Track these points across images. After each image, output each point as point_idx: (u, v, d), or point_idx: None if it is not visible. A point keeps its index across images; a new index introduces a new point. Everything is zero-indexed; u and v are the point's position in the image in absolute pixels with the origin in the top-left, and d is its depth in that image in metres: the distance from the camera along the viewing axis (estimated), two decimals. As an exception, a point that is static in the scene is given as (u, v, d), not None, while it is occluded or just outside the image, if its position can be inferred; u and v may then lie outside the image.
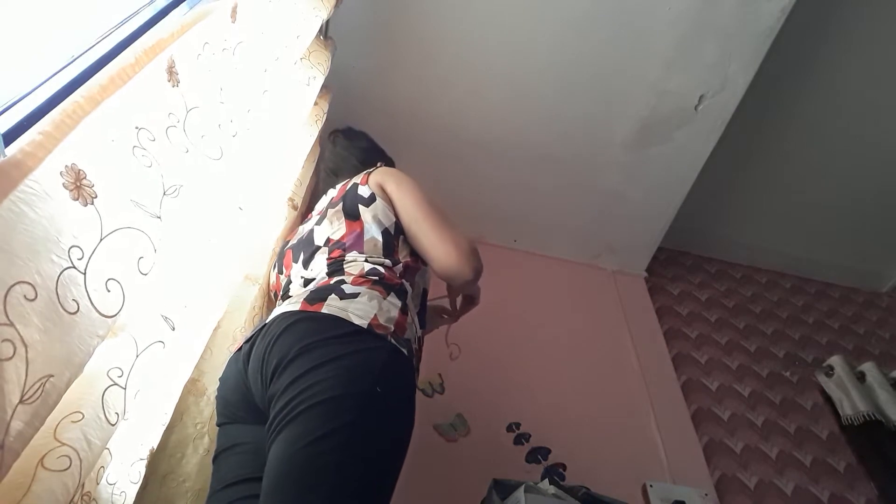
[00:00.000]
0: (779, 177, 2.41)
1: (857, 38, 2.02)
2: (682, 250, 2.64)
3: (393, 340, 0.90)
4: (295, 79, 1.34)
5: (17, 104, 0.55)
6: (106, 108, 0.55)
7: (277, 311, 0.94)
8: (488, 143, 2.02)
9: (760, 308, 2.47)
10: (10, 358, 0.45)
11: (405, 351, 0.91)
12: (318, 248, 1.10)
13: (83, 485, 0.61)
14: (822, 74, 2.10)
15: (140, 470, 0.79)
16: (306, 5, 1.24)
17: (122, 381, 0.65)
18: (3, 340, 0.44)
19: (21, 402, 0.46)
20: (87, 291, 0.52)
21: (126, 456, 0.78)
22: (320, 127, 1.54)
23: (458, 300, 1.30)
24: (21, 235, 0.45)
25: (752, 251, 2.67)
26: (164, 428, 0.87)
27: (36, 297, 0.47)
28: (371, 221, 1.10)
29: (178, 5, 0.81)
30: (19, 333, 0.45)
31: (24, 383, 0.46)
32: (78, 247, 0.51)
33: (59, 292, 0.49)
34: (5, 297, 0.44)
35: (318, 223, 1.15)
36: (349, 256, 1.06)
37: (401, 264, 1.08)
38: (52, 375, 0.49)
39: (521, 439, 1.65)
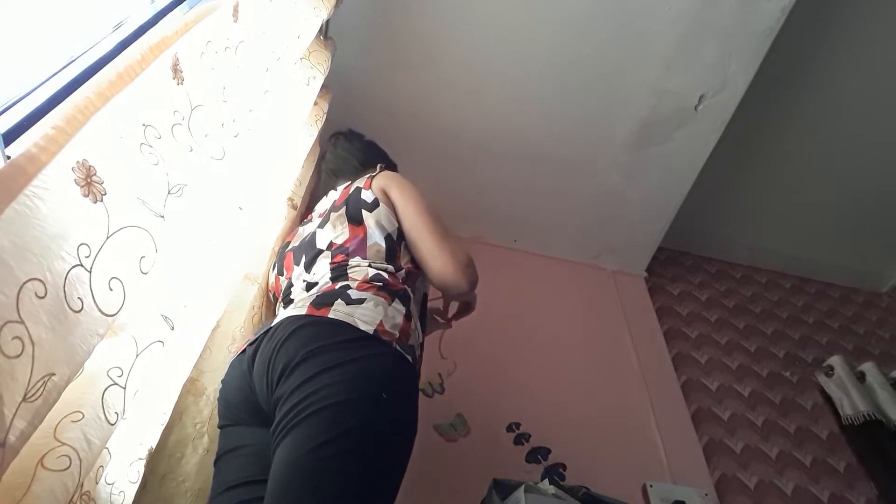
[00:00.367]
0: (779, 177, 2.42)
1: (857, 38, 2.02)
2: (682, 250, 2.64)
3: (398, 347, 0.91)
4: (295, 79, 1.34)
5: (17, 104, 0.55)
6: (115, 104, 0.55)
7: (283, 314, 0.95)
8: (488, 143, 2.02)
9: (760, 308, 2.47)
10: (18, 356, 0.44)
11: (409, 358, 0.92)
12: (321, 251, 1.11)
13: (82, 484, 0.61)
14: (822, 74, 2.10)
15: (139, 470, 0.79)
16: (306, 5, 1.24)
17: (121, 381, 0.65)
18: (14, 338, 0.44)
19: (24, 400, 0.46)
20: (91, 290, 0.52)
21: (125, 455, 0.78)
22: (320, 127, 1.54)
23: (454, 305, 1.31)
24: (34, 231, 0.45)
25: (752, 251, 2.67)
26: (163, 427, 0.87)
27: (46, 294, 0.47)
28: (374, 227, 1.10)
29: (177, 5, 0.81)
30: (28, 331, 0.45)
31: (29, 381, 0.46)
32: (86, 244, 0.51)
33: (66, 290, 0.49)
34: (18, 294, 0.44)
35: (321, 226, 1.15)
36: (353, 261, 1.06)
37: (403, 270, 1.09)
38: (54, 374, 0.49)
39: (521, 439, 1.65)
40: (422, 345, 1.08)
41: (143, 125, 0.60)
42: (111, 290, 0.55)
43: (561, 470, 1.59)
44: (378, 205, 1.13)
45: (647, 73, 1.84)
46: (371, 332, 0.89)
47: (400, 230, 1.13)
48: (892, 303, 2.73)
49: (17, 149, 0.49)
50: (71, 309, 0.50)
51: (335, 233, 1.11)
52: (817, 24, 1.98)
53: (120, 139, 0.56)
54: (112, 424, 0.63)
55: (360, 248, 1.08)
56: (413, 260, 1.14)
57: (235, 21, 0.82)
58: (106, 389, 0.63)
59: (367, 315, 0.91)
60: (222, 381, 1.00)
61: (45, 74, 0.59)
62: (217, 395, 1.03)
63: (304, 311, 0.92)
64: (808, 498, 1.75)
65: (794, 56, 2.04)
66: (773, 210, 2.54)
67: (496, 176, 2.10)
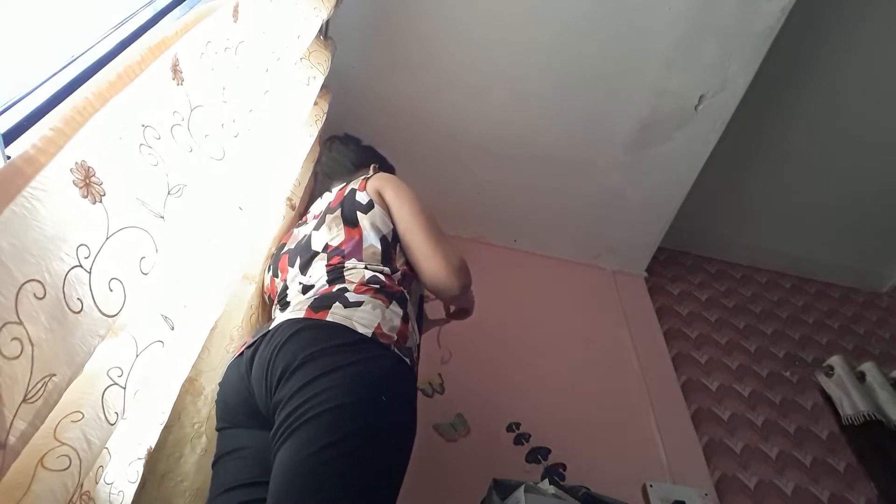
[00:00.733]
0: (779, 177, 2.41)
1: (857, 38, 2.02)
2: (682, 250, 2.64)
3: (396, 350, 0.91)
4: (295, 79, 1.34)
5: (17, 104, 0.55)
6: (114, 105, 0.55)
7: (281, 318, 0.95)
8: (488, 143, 2.02)
9: (760, 308, 2.47)
10: (18, 357, 0.44)
11: (407, 360, 0.93)
12: (317, 253, 1.11)
13: (82, 484, 0.61)
14: (822, 74, 2.10)
15: (138, 469, 0.79)
16: (306, 5, 1.24)
17: (121, 381, 0.65)
18: (13, 339, 0.44)
19: (24, 401, 0.46)
20: (91, 290, 0.52)
21: (124, 455, 0.78)
22: (320, 127, 1.54)
23: (452, 307, 1.31)
24: (33, 232, 0.45)
25: (752, 251, 2.67)
26: (162, 427, 0.87)
27: (45, 295, 0.46)
28: (369, 229, 1.10)
29: (177, 6, 0.81)
30: (27, 332, 0.45)
31: (29, 382, 0.46)
32: (85, 245, 0.51)
33: (65, 291, 0.49)
34: (17, 295, 0.44)
35: (316, 228, 1.15)
36: (349, 264, 1.06)
37: (399, 272, 1.09)
38: (55, 375, 0.49)
39: (521, 439, 1.65)
40: (419, 346, 1.09)
41: (143, 126, 0.60)
42: (111, 290, 0.55)
43: (561, 470, 1.59)
44: (373, 206, 1.13)
45: (647, 73, 1.84)
46: (369, 335, 0.89)
47: (395, 232, 1.14)
48: (892, 303, 2.73)
49: (17, 149, 0.49)
50: (71, 310, 0.50)
51: (330, 235, 1.11)
52: (817, 24, 1.98)
53: (119, 140, 0.56)
54: (112, 424, 0.63)
55: (356, 250, 1.08)
56: (408, 262, 1.15)
57: (235, 21, 0.82)
58: (106, 389, 0.63)
59: (365, 318, 0.92)
60: (220, 384, 1.00)
61: (45, 74, 0.59)
62: (215, 395, 1.03)
63: (301, 315, 0.92)
64: (808, 498, 1.75)
65: (794, 56, 2.04)
66: (773, 210, 2.54)
67: (496, 176, 2.10)
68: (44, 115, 0.54)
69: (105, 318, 0.55)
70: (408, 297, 1.06)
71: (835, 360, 2.11)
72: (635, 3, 1.71)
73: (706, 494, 1.61)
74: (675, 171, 2.08)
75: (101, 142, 0.53)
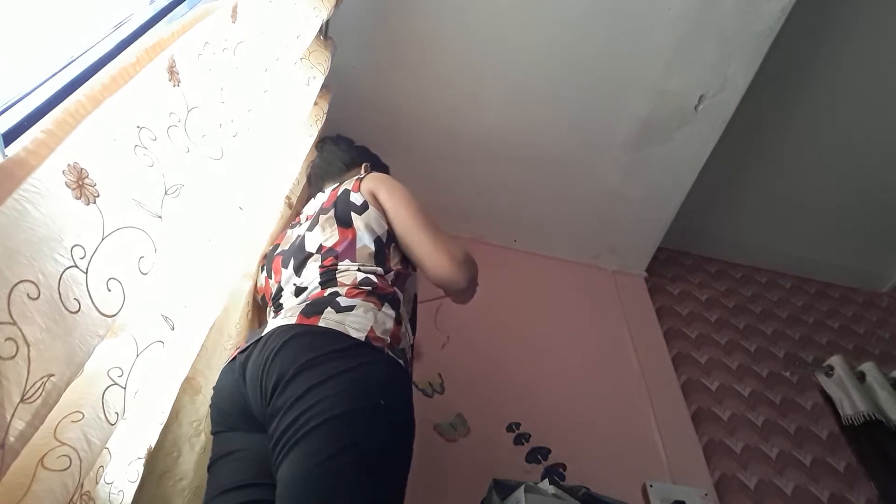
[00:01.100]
0: (779, 177, 2.41)
1: (857, 38, 2.02)
2: (682, 250, 2.64)
3: (390, 353, 0.92)
4: (295, 79, 1.34)
5: (17, 104, 0.55)
6: (108, 107, 0.55)
7: (273, 323, 0.95)
8: (488, 143, 2.02)
9: (760, 308, 2.47)
10: (13, 357, 0.45)
11: (401, 362, 0.94)
12: (311, 254, 1.10)
13: (82, 484, 0.61)
14: (822, 74, 2.10)
15: (138, 469, 0.79)
16: (306, 5, 1.24)
17: (122, 381, 0.65)
18: (6, 339, 0.44)
19: (22, 401, 0.46)
20: (88, 291, 0.52)
21: (124, 455, 0.78)
22: (320, 127, 1.54)
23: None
24: (24, 234, 0.45)
25: (752, 251, 2.67)
26: (162, 426, 0.87)
27: (39, 296, 0.47)
28: (363, 229, 1.10)
29: (177, 5, 0.81)
30: (22, 332, 0.45)
31: (26, 382, 0.46)
32: (80, 246, 0.51)
33: (61, 291, 0.49)
34: (9, 295, 0.44)
35: (310, 229, 1.15)
36: (342, 265, 1.06)
37: (392, 272, 1.09)
38: (53, 375, 0.49)
39: (521, 439, 1.65)
40: (412, 346, 1.09)
41: (138, 127, 0.60)
42: (109, 290, 0.55)
43: (561, 470, 1.59)
44: (367, 207, 1.12)
45: (647, 73, 1.84)
46: (362, 339, 0.90)
47: (390, 233, 1.13)
48: (892, 303, 2.73)
49: (16, 149, 0.49)
50: (67, 310, 0.50)
51: (324, 235, 1.11)
52: (817, 24, 1.98)
53: (113, 141, 0.56)
54: (112, 424, 0.63)
55: (349, 251, 1.08)
56: (402, 261, 1.14)
57: (234, 22, 0.82)
58: (106, 389, 0.63)
59: (357, 322, 0.92)
60: (214, 388, 1.00)
61: (45, 74, 0.59)
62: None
63: (293, 321, 0.92)
64: (808, 498, 1.75)
65: (794, 56, 2.04)
66: (773, 210, 2.54)
67: (496, 176, 2.10)
68: (43, 116, 0.54)
69: (104, 318, 0.55)
70: (400, 297, 1.06)
71: (835, 360, 2.11)
72: (635, 3, 1.70)
73: (706, 494, 1.61)
74: (675, 170, 2.08)
75: (95, 144, 0.53)
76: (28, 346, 0.46)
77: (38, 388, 0.47)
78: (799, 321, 2.46)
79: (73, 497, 0.58)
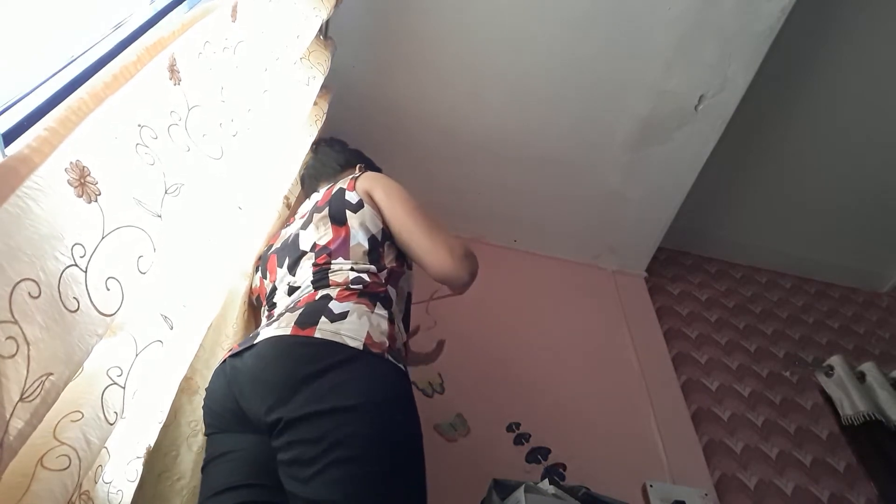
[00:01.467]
0: (779, 177, 2.41)
1: (857, 38, 2.02)
2: (682, 250, 2.64)
3: (389, 357, 0.92)
4: (295, 78, 1.34)
5: (17, 104, 0.55)
6: (109, 105, 0.55)
7: (267, 332, 0.94)
8: (488, 142, 2.02)
9: (760, 308, 2.47)
10: (13, 356, 0.45)
11: (401, 366, 0.94)
12: (304, 253, 1.10)
13: (81, 484, 0.61)
14: (822, 74, 2.10)
15: (137, 469, 0.79)
16: (306, 5, 1.24)
17: (121, 381, 0.65)
18: (7, 338, 0.44)
19: (21, 400, 0.46)
20: (87, 290, 0.52)
21: (123, 455, 0.78)
22: (320, 127, 1.54)
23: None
24: (27, 231, 0.45)
25: (752, 251, 2.67)
26: (161, 426, 0.87)
27: (39, 294, 0.47)
28: (358, 227, 1.10)
29: (177, 5, 0.81)
30: (22, 331, 0.45)
31: (25, 381, 0.46)
32: (80, 244, 0.51)
33: (61, 290, 0.49)
34: (11, 294, 0.44)
35: (304, 227, 1.15)
36: (335, 264, 1.06)
37: (386, 270, 1.09)
38: (52, 374, 0.49)
39: (521, 439, 1.65)
40: (406, 344, 1.10)
41: (139, 126, 0.60)
42: (108, 289, 0.55)
43: (561, 470, 1.59)
44: (362, 206, 1.12)
45: (647, 73, 1.84)
46: (360, 348, 0.90)
47: (385, 231, 1.13)
48: (892, 303, 2.73)
49: (17, 149, 0.49)
50: (67, 309, 0.50)
51: (318, 234, 1.11)
52: (817, 24, 1.98)
53: (115, 140, 0.56)
54: (111, 424, 0.63)
55: (343, 249, 1.08)
56: (398, 259, 1.14)
57: (234, 21, 0.82)
58: (105, 389, 0.63)
59: (352, 329, 0.92)
60: (206, 390, 1.00)
61: (45, 74, 0.59)
62: None
63: (288, 332, 0.91)
64: (808, 498, 1.75)
65: (794, 56, 2.04)
66: (773, 210, 2.54)
67: (496, 176, 2.10)
68: (43, 115, 0.54)
69: (103, 317, 0.55)
70: (393, 296, 1.06)
71: (835, 360, 2.11)
72: (635, 3, 1.70)
73: (706, 494, 1.61)
74: (675, 171, 2.08)
75: (97, 142, 0.53)
76: (28, 344, 0.46)
77: (38, 386, 0.47)
78: (799, 321, 2.46)
79: (72, 496, 0.58)
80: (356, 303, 0.97)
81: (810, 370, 2.18)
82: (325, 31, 1.59)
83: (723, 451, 1.82)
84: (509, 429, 1.67)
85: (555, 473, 1.58)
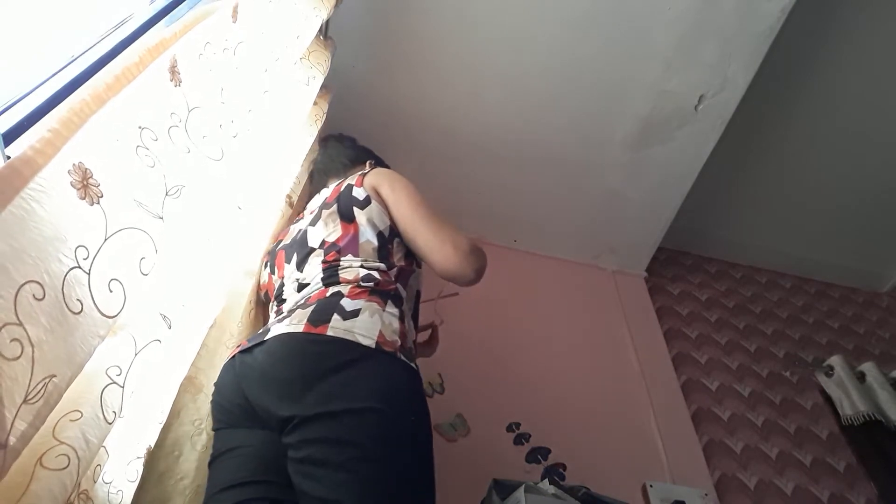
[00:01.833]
0: (779, 177, 2.41)
1: (857, 38, 2.02)
2: (682, 250, 2.64)
3: (401, 356, 0.92)
4: (295, 79, 1.34)
5: (17, 104, 0.55)
6: (112, 106, 0.55)
7: (278, 328, 0.93)
8: (488, 142, 2.02)
9: (760, 308, 2.47)
10: (18, 358, 0.45)
11: (413, 365, 0.94)
12: (313, 249, 1.10)
13: (80, 483, 0.61)
14: (822, 74, 2.10)
15: (137, 468, 0.79)
16: (306, 5, 1.24)
17: (120, 380, 0.65)
18: (12, 340, 0.44)
19: (25, 401, 0.46)
20: (90, 291, 0.52)
21: (123, 454, 0.78)
22: (320, 127, 1.54)
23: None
24: (31, 234, 0.45)
25: (752, 251, 2.67)
26: (161, 426, 0.87)
27: (44, 296, 0.47)
28: (366, 224, 1.09)
29: (177, 5, 0.81)
30: (27, 333, 0.45)
31: (29, 383, 0.46)
32: (84, 246, 0.51)
33: (64, 292, 0.49)
34: (16, 296, 0.44)
35: (312, 224, 1.14)
36: (344, 261, 1.05)
37: (396, 268, 1.08)
38: (55, 375, 0.49)
39: (521, 439, 1.65)
40: (415, 341, 1.09)
41: (140, 128, 0.60)
42: (111, 291, 0.55)
43: (561, 470, 1.59)
44: (370, 202, 1.11)
45: (647, 73, 1.84)
46: (373, 347, 0.89)
47: (392, 228, 1.12)
48: (892, 303, 2.73)
49: (17, 149, 0.49)
50: (70, 311, 0.50)
51: (327, 230, 1.10)
52: (817, 24, 1.98)
53: (116, 141, 0.56)
54: (110, 423, 0.63)
55: (352, 246, 1.07)
56: (406, 257, 1.13)
57: (234, 22, 0.82)
58: (105, 388, 0.63)
59: (365, 328, 0.91)
60: (215, 385, 1.00)
61: (45, 74, 0.59)
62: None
63: (300, 329, 0.91)
64: (808, 498, 1.75)
65: (794, 56, 2.04)
66: (773, 210, 2.54)
67: (496, 176, 2.10)
68: (43, 116, 0.54)
69: (105, 318, 0.55)
70: (403, 294, 1.05)
71: (835, 360, 2.11)
72: (635, 3, 1.70)
73: (706, 494, 1.61)
74: (676, 171, 2.08)
75: (99, 143, 0.53)
76: (32, 346, 0.46)
77: (41, 388, 0.47)
78: (799, 321, 2.46)
79: (71, 496, 0.58)
80: (368, 300, 0.97)
81: (810, 370, 2.18)
82: (325, 31, 1.59)
83: (723, 451, 1.82)
84: (509, 429, 1.67)
85: (555, 473, 1.58)
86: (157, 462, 0.95)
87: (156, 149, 0.62)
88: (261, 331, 0.97)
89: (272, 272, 1.18)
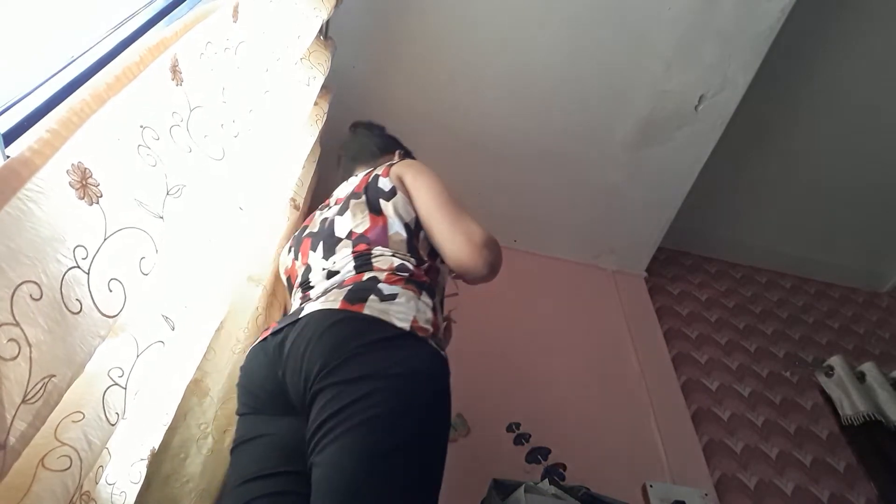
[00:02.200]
0: (779, 177, 2.42)
1: (858, 37, 2.02)
2: (682, 250, 2.64)
3: (433, 343, 0.91)
4: (295, 79, 1.34)
5: (17, 104, 0.55)
6: (112, 106, 0.55)
7: (312, 306, 0.92)
8: (488, 142, 2.02)
9: (760, 308, 2.47)
10: (15, 358, 0.44)
11: (443, 353, 0.93)
12: (340, 239, 1.08)
13: (82, 485, 0.61)
14: (822, 74, 2.10)
15: (140, 470, 0.79)
16: (306, 5, 1.24)
17: (122, 381, 0.65)
18: (9, 340, 0.44)
19: (23, 402, 0.46)
20: (90, 291, 0.52)
21: (126, 456, 0.78)
22: (320, 127, 1.54)
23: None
24: (28, 234, 0.45)
25: (752, 251, 2.67)
26: (166, 428, 0.87)
27: (41, 296, 0.47)
28: (393, 216, 1.08)
29: (177, 5, 0.81)
30: (24, 333, 0.45)
31: (27, 383, 0.46)
32: (83, 246, 0.51)
33: (63, 292, 0.49)
34: (12, 296, 0.44)
35: (340, 213, 1.12)
36: (376, 251, 1.04)
37: (426, 263, 1.07)
38: (55, 375, 0.49)
39: (521, 439, 1.65)
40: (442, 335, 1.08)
41: (141, 127, 0.60)
42: (111, 291, 0.55)
43: (561, 470, 1.59)
44: (395, 193, 1.10)
45: (647, 73, 1.84)
46: (407, 329, 0.89)
47: (418, 220, 1.10)
48: (892, 303, 2.73)
49: (17, 149, 0.49)
50: (69, 311, 0.50)
51: (355, 221, 1.09)
52: (817, 24, 1.98)
53: (117, 141, 0.56)
54: (112, 425, 0.63)
55: (382, 238, 1.06)
56: (430, 254, 1.11)
57: (235, 22, 0.82)
58: (107, 390, 0.63)
59: (401, 312, 0.91)
60: (242, 369, 0.98)
61: (45, 74, 0.59)
62: (220, 396, 1.03)
63: (336, 306, 0.90)
64: (808, 498, 1.75)
65: (794, 56, 2.04)
66: (773, 210, 2.54)
67: (496, 175, 2.10)
68: (43, 116, 0.54)
69: (105, 318, 0.55)
70: (436, 286, 1.04)
71: (835, 360, 2.11)
72: (635, 3, 1.70)
73: (706, 494, 1.61)
74: (676, 170, 2.08)
75: (99, 143, 0.53)
76: (30, 346, 0.46)
77: (40, 388, 0.47)
78: (799, 321, 2.46)
79: (73, 497, 0.58)
80: (404, 287, 0.96)
81: (810, 370, 2.18)
82: (325, 32, 1.59)
83: (723, 451, 1.82)
84: (509, 429, 1.67)
85: (555, 473, 1.58)
86: (162, 464, 0.95)
87: (157, 148, 0.62)
88: (290, 313, 0.96)
89: (295, 258, 1.16)
